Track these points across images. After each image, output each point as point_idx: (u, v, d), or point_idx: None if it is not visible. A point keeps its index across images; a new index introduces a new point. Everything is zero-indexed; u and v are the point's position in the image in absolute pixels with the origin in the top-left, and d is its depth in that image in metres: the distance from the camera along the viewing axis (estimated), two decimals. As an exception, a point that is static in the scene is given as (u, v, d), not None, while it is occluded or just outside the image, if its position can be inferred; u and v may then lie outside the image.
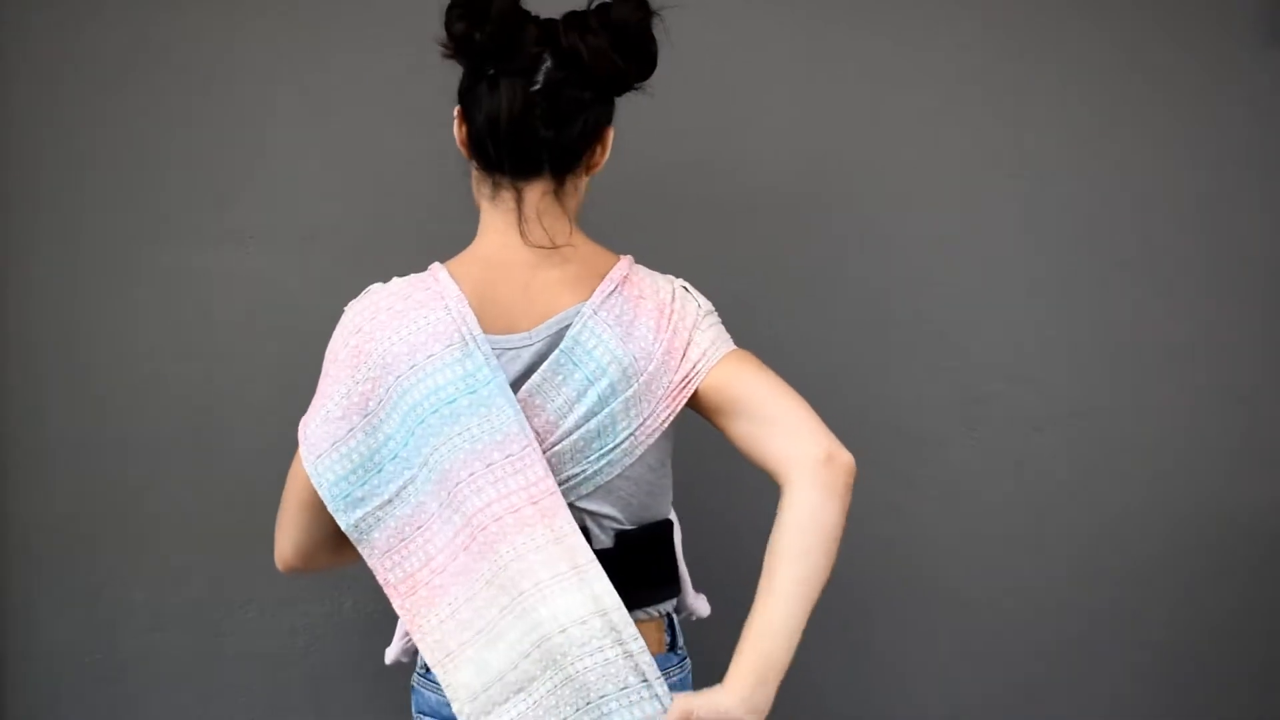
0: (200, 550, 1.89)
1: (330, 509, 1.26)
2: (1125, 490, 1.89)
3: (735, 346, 1.27)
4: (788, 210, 1.90)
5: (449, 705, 1.25)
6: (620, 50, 1.22)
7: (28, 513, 1.90)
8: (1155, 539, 1.89)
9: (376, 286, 1.30)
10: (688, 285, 1.30)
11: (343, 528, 1.26)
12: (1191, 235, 1.89)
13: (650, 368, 1.23)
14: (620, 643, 1.18)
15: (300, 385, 1.87)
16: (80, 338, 1.89)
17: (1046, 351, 1.89)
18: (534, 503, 1.19)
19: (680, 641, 1.32)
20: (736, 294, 1.89)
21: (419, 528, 1.24)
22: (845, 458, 1.19)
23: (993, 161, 1.90)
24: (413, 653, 1.35)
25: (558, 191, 1.27)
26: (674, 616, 1.33)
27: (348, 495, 1.25)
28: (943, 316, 1.90)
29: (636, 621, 1.22)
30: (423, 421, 1.21)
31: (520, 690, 1.18)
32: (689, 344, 1.24)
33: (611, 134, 1.30)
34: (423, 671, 1.32)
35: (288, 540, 1.35)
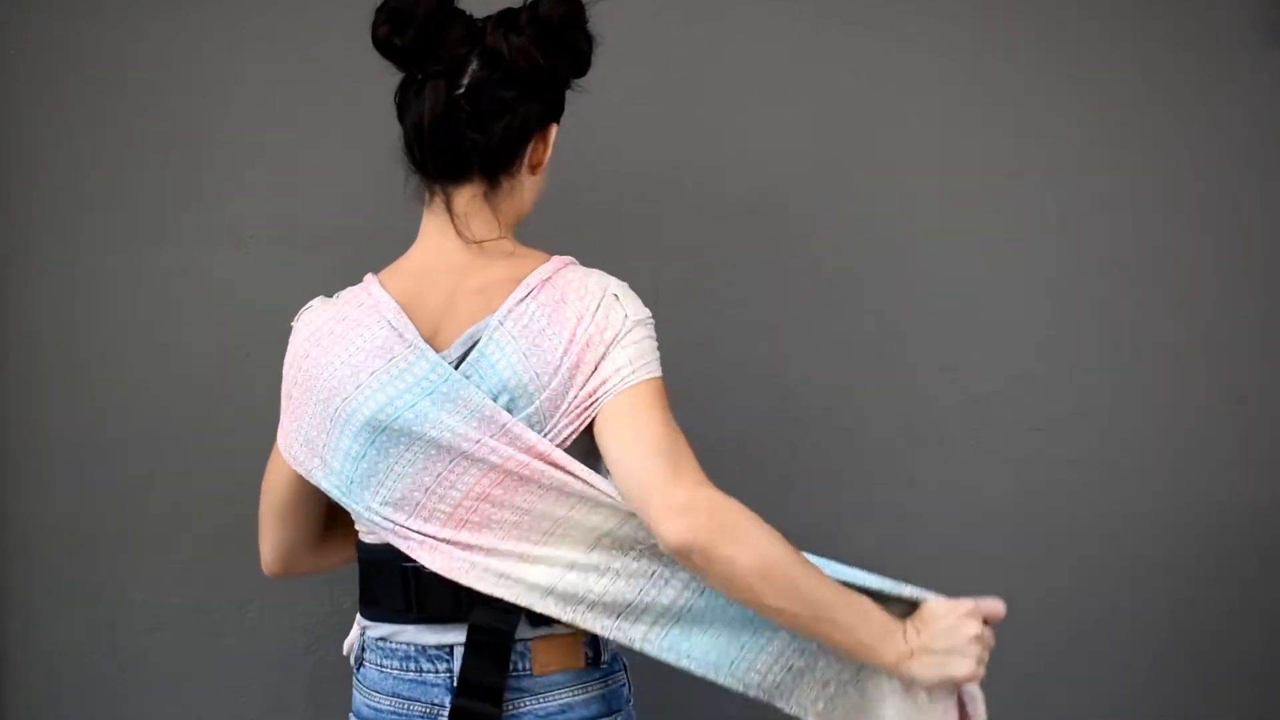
0: (200, 550, 1.90)
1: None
2: (1126, 490, 1.89)
3: (650, 375, 1.19)
4: (788, 212, 1.90)
5: (368, 705, 1.29)
6: (543, 47, 1.21)
7: (28, 513, 1.90)
8: (1156, 539, 1.89)
9: (318, 302, 1.32)
10: (619, 293, 1.22)
11: None
12: (1192, 235, 1.89)
13: (554, 383, 1.18)
14: None
15: (300, 385, 1.88)
16: (80, 338, 1.89)
17: (1047, 351, 1.89)
18: (540, 457, 1.18)
19: (608, 658, 1.28)
20: (739, 296, 1.89)
21: (412, 515, 1.24)
22: (680, 531, 1.10)
23: (993, 162, 1.90)
24: (355, 647, 1.37)
25: (489, 194, 1.26)
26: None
27: (349, 506, 1.28)
28: (943, 317, 1.90)
29: (537, 637, 1.23)
30: (384, 430, 1.21)
31: (600, 571, 1.20)
32: (603, 358, 1.19)
33: (554, 131, 1.28)
34: (355, 669, 1.34)
35: (267, 546, 1.40)
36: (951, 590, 1.90)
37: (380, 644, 1.29)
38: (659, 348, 1.23)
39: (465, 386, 1.18)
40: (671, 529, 1.10)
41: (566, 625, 1.23)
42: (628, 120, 1.87)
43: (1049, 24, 1.89)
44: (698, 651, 1.22)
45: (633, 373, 1.18)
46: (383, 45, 1.23)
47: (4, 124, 1.88)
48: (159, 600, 1.90)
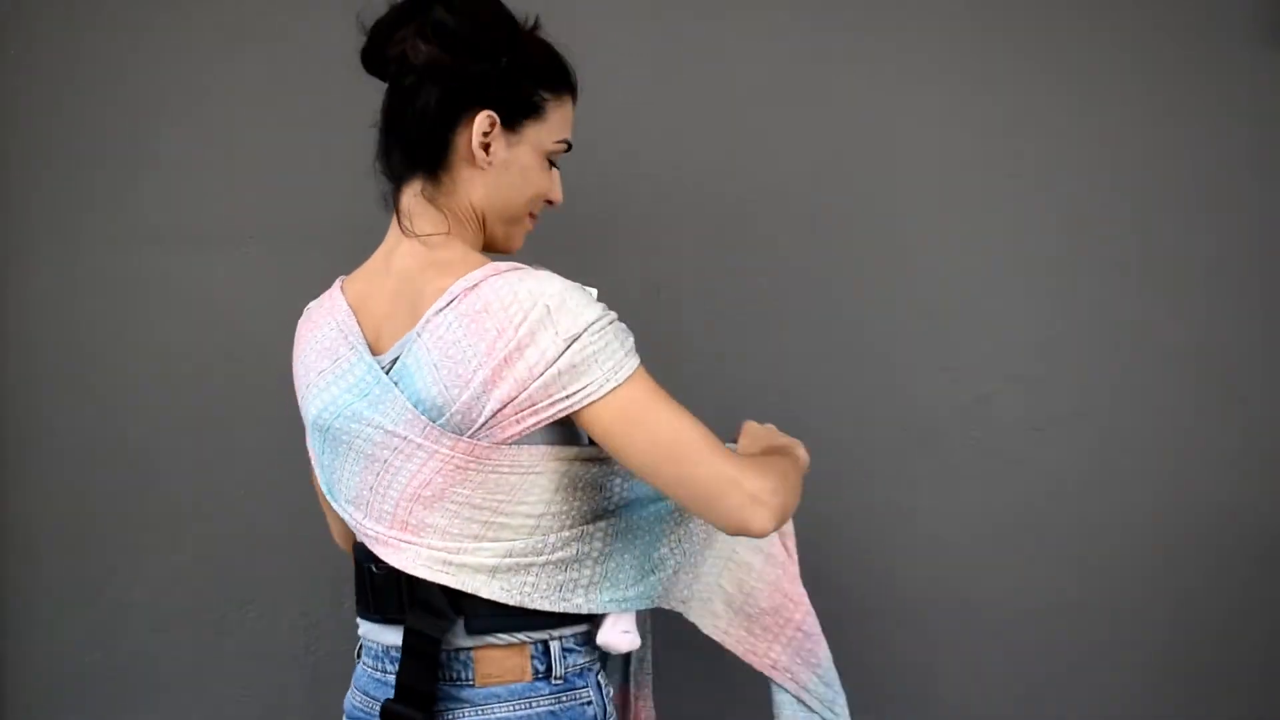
0: (200, 550, 1.90)
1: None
2: (1125, 490, 1.89)
3: (615, 385, 1.13)
4: (788, 212, 1.90)
5: (350, 700, 1.32)
6: (420, 33, 1.21)
7: (28, 513, 1.90)
8: (1155, 539, 1.89)
9: (314, 304, 1.35)
10: (553, 305, 1.13)
11: None
12: (1191, 235, 1.89)
13: (464, 396, 1.14)
14: None
15: (300, 385, 1.88)
16: (80, 338, 1.89)
17: (1047, 351, 1.89)
18: (468, 452, 1.16)
19: (563, 673, 1.23)
20: (738, 296, 1.89)
21: (367, 514, 1.25)
22: (768, 521, 1.12)
23: (992, 161, 1.90)
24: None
25: (431, 191, 1.24)
26: (551, 644, 1.24)
27: (331, 502, 1.31)
28: (943, 316, 1.90)
29: (478, 646, 1.21)
30: (327, 425, 1.24)
31: (538, 551, 1.23)
32: (532, 380, 1.13)
33: (479, 120, 1.21)
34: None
35: (331, 527, 1.48)
36: (951, 590, 1.91)
37: (364, 640, 1.32)
38: (633, 333, 1.19)
39: (392, 390, 1.18)
40: (760, 525, 1.12)
41: (511, 635, 1.22)
42: (627, 121, 1.87)
43: (1048, 24, 1.89)
44: (631, 592, 1.26)
45: (586, 396, 1.14)
46: (372, 73, 1.27)
47: (4, 124, 1.89)
48: (159, 600, 1.90)
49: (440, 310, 1.16)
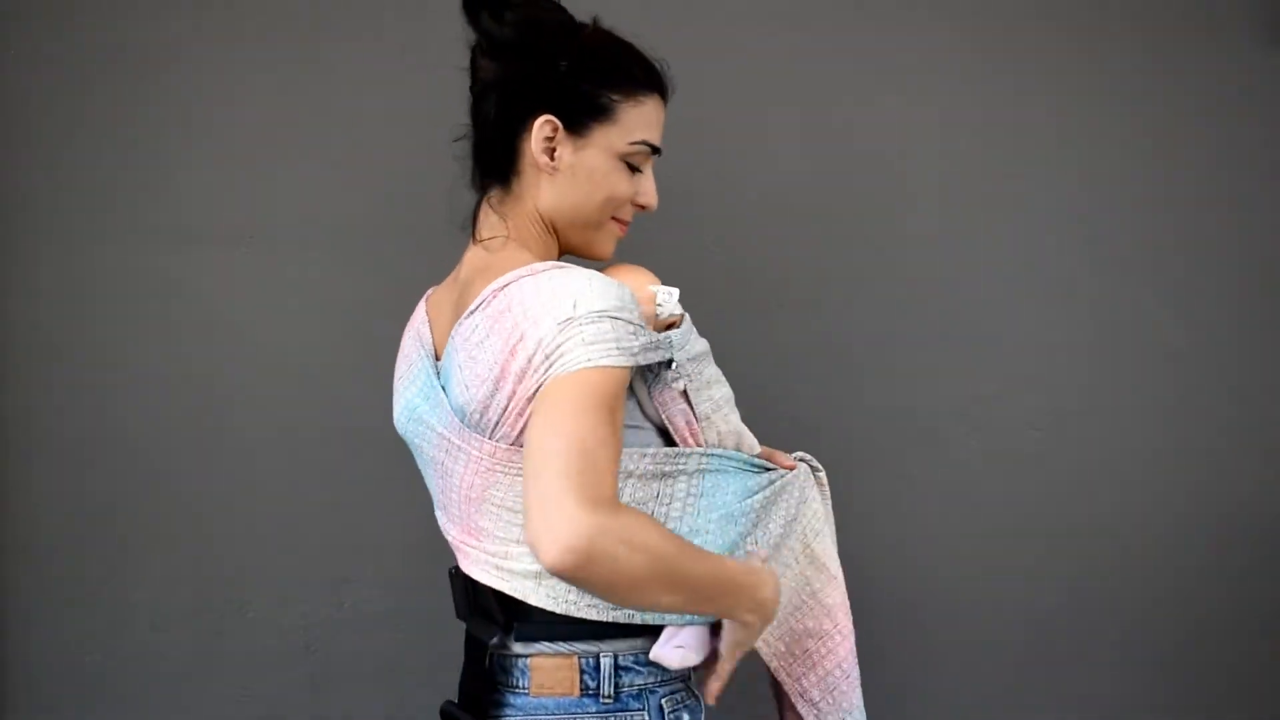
0: (200, 550, 1.90)
1: None
2: (1125, 490, 1.89)
3: (571, 369, 1.07)
4: (788, 212, 1.90)
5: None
6: (481, 49, 1.23)
7: (28, 513, 1.90)
8: (1155, 539, 1.89)
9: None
10: (577, 295, 1.10)
11: None
12: (1192, 235, 1.89)
13: (480, 394, 1.14)
14: None
15: (299, 384, 1.88)
16: (80, 338, 1.89)
17: (1047, 352, 1.89)
18: (491, 455, 1.16)
19: (611, 691, 1.19)
20: (740, 297, 1.90)
21: (448, 518, 1.27)
22: (554, 562, 0.99)
23: (993, 162, 1.90)
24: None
25: (502, 198, 1.25)
26: (602, 659, 1.19)
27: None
28: (943, 317, 1.90)
29: (532, 654, 1.19)
30: (405, 431, 1.29)
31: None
32: (528, 370, 1.11)
33: (538, 125, 1.20)
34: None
35: None
36: (951, 590, 1.91)
37: None
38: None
39: (439, 392, 1.21)
40: (546, 552, 1.00)
41: (559, 644, 1.20)
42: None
43: (1050, 25, 1.89)
44: None
45: (549, 369, 1.09)
46: None
47: (4, 124, 1.88)
48: (159, 600, 1.89)
49: (470, 314, 1.16)
